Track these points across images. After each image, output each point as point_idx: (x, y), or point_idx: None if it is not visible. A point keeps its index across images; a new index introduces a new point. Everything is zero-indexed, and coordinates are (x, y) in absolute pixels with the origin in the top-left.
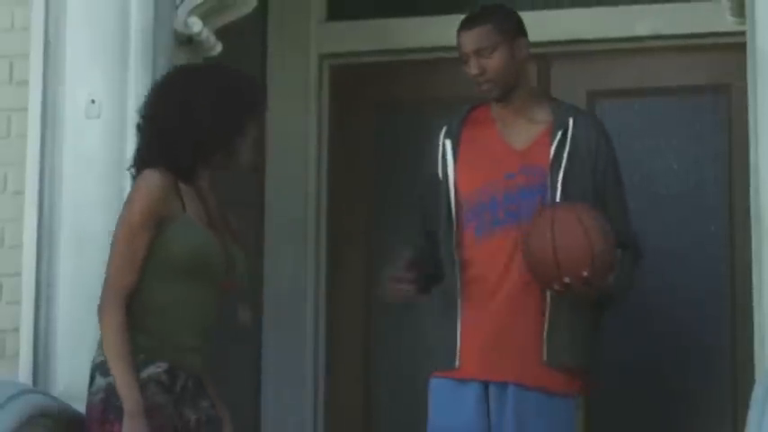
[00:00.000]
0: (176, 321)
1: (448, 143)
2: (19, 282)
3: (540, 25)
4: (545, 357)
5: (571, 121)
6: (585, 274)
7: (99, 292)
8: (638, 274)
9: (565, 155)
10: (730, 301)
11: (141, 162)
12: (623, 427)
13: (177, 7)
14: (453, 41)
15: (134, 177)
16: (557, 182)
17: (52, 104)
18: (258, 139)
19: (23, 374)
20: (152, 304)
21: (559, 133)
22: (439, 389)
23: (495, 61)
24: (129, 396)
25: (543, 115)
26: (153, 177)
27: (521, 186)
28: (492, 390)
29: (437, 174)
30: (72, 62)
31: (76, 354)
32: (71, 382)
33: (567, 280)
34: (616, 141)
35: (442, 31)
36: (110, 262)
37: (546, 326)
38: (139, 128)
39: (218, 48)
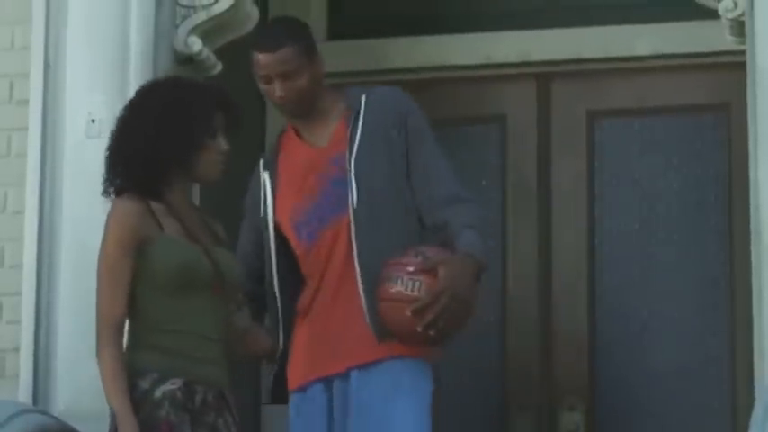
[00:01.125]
0: (184, 335)
1: (266, 175)
2: (19, 301)
3: (541, 44)
4: (375, 335)
5: (363, 100)
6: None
7: None
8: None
9: (357, 133)
10: (730, 319)
11: (107, 183)
12: None
13: (177, 27)
14: (451, 60)
15: (105, 193)
16: (351, 161)
17: (52, 124)
18: (225, 153)
19: (23, 394)
20: (156, 323)
21: (353, 115)
22: (291, 404)
23: (301, 83)
24: (124, 422)
25: (340, 108)
26: (122, 206)
27: (333, 177)
28: (336, 386)
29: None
30: (72, 81)
31: (76, 373)
32: (71, 401)
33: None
34: (617, 160)
35: (441, 51)
36: (98, 296)
37: (365, 305)
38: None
39: (219, 67)
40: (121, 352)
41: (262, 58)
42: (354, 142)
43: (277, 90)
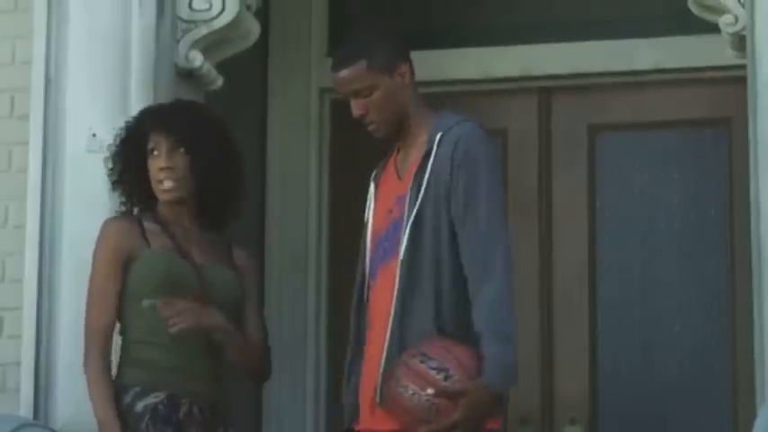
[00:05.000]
0: (166, 348)
1: (372, 187)
2: (20, 316)
3: (542, 59)
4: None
5: (437, 138)
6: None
7: None
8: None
9: (424, 179)
10: (731, 333)
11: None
12: None
13: (178, 41)
14: (453, 75)
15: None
16: (411, 213)
17: (53, 138)
18: (163, 169)
19: (24, 408)
20: (140, 337)
21: (423, 156)
22: None
23: (374, 100)
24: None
25: (422, 138)
26: (107, 226)
27: (395, 220)
28: None
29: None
30: (73, 96)
31: (77, 387)
32: (72, 415)
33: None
34: (617, 174)
35: (442, 65)
36: (85, 313)
37: (379, 378)
38: None
39: (219, 82)
40: (107, 363)
41: (334, 77)
42: (419, 191)
43: (354, 109)
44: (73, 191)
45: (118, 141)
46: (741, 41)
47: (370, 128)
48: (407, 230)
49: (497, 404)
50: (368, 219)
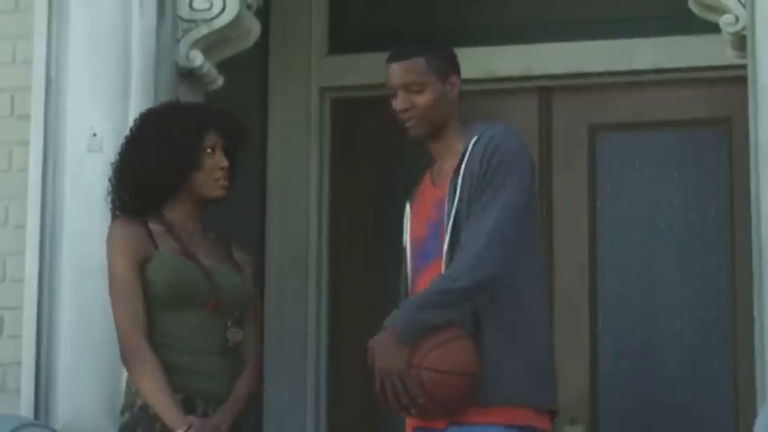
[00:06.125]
0: (181, 350)
1: (407, 208)
2: (20, 315)
3: (542, 58)
4: None
5: (471, 143)
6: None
7: (100, 324)
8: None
9: (459, 179)
10: (732, 333)
11: (112, 204)
12: None
13: (179, 41)
14: None
15: (112, 213)
16: (452, 212)
17: (54, 138)
18: (224, 168)
19: (25, 408)
20: (154, 340)
21: (458, 161)
22: None
23: (423, 98)
24: (174, 424)
25: (458, 146)
26: (116, 228)
27: (433, 224)
28: None
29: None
30: (74, 95)
31: (78, 387)
32: (72, 415)
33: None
34: (618, 174)
35: None
36: (116, 316)
37: None
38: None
39: (220, 81)
40: (152, 356)
41: (389, 67)
42: (456, 192)
43: (398, 102)
44: (73, 190)
45: (144, 136)
46: (741, 41)
47: (408, 123)
48: (449, 228)
49: (402, 346)
50: (406, 239)
